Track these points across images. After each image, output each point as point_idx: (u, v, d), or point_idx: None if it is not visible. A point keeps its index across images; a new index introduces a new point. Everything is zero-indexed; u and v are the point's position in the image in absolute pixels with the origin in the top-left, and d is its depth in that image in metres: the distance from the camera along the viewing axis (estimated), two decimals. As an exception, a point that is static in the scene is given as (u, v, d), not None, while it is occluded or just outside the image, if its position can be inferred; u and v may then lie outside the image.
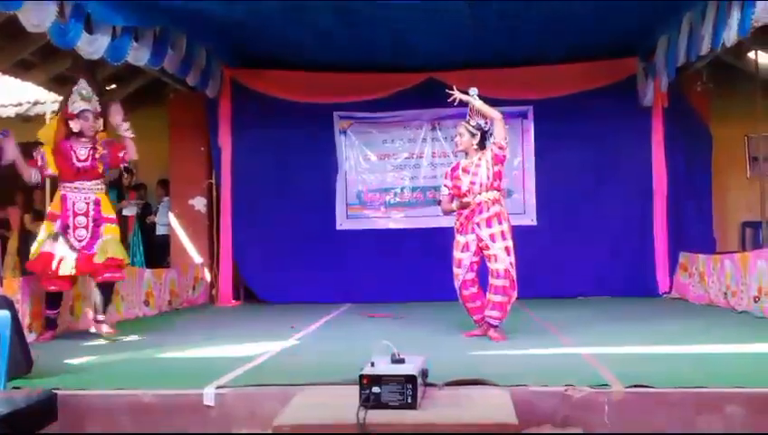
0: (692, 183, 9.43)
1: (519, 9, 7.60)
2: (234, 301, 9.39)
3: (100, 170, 6.17)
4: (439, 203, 5.98)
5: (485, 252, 5.62)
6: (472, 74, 9.19)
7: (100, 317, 6.19)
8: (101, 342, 5.93)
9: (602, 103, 9.17)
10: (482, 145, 5.74)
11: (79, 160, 6.05)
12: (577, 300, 9.03)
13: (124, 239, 9.87)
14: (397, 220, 9.82)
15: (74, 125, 6.08)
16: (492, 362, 4.52)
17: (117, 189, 10.11)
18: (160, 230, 10.34)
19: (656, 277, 9.21)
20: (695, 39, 7.33)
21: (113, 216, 6.27)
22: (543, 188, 9.62)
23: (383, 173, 9.96)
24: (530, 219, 9.59)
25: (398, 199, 9.88)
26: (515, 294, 5.65)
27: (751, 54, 8.38)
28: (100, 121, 6.21)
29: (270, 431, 3.17)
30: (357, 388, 3.25)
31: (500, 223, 5.61)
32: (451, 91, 5.79)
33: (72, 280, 6.09)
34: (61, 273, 5.87)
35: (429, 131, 9.86)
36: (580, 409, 3.54)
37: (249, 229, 9.58)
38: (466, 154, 5.79)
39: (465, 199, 5.62)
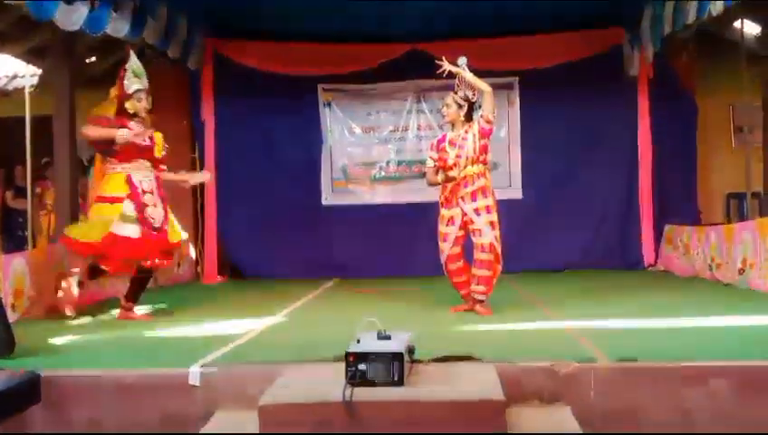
0: (677, 154, 9.43)
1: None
2: (219, 277, 9.34)
3: (158, 154, 5.99)
4: (424, 175, 5.93)
5: (470, 226, 5.59)
6: (456, 45, 9.12)
7: (131, 305, 5.96)
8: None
9: (588, 74, 9.11)
10: (469, 117, 5.69)
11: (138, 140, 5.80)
12: (563, 273, 9.05)
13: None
14: (383, 194, 9.77)
15: (130, 106, 5.82)
16: (478, 338, 4.52)
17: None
18: None
19: (641, 250, 9.24)
20: (680, 8, 7.27)
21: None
22: (529, 161, 9.59)
23: (368, 147, 9.90)
24: (515, 192, 9.57)
25: (383, 174, 9.83)
26: (500, 269, 5.63)
27: (737, 24, 8.34)
28: (150, 98, 5.94)
29: (255, 411, 3.14)
30: (343, 365, 3.23)
31: (485, 197, 5.58)
32: (440, 62, 5.71)
33: (138, 263, 5.81)
34: (133, 256, 5.66)
35: (414, 104, 9.79)
36: (567, 384, 3.54)
37: (233, 205, 9.51)
38: (453, 126, 5.74)
39: (451, 173, 5.57)
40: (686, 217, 9.00)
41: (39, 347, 4.42)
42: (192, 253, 9.64)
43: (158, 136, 6.03)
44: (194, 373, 3.66)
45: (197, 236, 9.68)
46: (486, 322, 5.20)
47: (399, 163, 9.79)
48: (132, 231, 5.59)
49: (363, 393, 3.11)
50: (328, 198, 9.77)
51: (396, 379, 3.21)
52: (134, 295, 5.99)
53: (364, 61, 9.22)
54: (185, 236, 6.24)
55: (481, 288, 5.56)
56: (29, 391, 3.51)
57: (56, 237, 7.32)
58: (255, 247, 9.46)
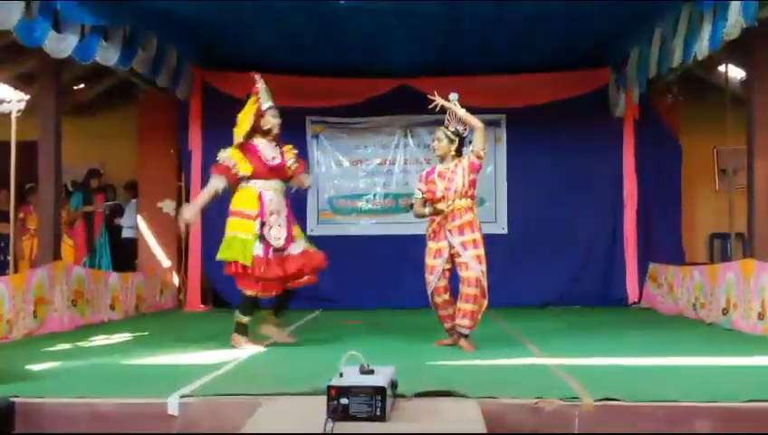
0: (662, 194, 9.52)
1: (492, 17, 7.61)
2: (202, 306, 9.27)
3: (289, 173, 5.86)
4: (411, 207, 5.93)
5: (457, 259, 5.58)
6: (444, 82, 9.20)
7: (274, 324, 5.92)
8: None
9: (574, 113, 9.21)
10: (459, 152, 5.71)
11: (269, 159, 5.74)
12: (547, 309, 9.05)
13: (90, 241, 9.72)
14: (369, 227, 9.76)
15: (264, 123, 5.78)
16: (462, 373, 4.48)
17: (83, 192, 9.94)
18: (126, 233, 10.18)
19: (625, 287, 9.27)
20: (666, 51, 7.38)
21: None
22: (515, 197, 9.64)
23: (355, 179, 9.92)
24: (501, 228, 9.60)
25: (369, 206, 9.84)
26: (486, 303, 5.61)
27: (721, 68, 8.46)
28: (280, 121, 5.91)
29: (235, 443, 3.09)
30: (325, 399, 3.18)
31: (473, 231, 5.57)
32: (432, 97, 5.73)
33: (282, 283, 5.72)
34: (269, 276, 5.57)
35: (402, 138, 9.84)
36: (551, 421, 3.50)
37: (218, 233, 9.41)
38: (442, 159, 5.75)
39: (440, 206, 5.57)
40: (670, 255, 9.05)
41: (15, 373, 4.35)
42: (175, 280, 9.59)
43: (290, 154, 5.93)
44: (173, 403, 3.60)
45: (181, 264, 9.63)
46: (470, 357, 5.16)
47: (386, 196, 9.81)
48: (260, 250, 5.57)
49: (345, 428, 3.06)
50: (314, 229, 9.74)
51: (378, 414, 3.16)
52: (279, 312, 5.98)
53: (352, 95, 9.28)
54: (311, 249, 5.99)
55: (466, 322, 5.53)
56: (3, 418, 3.44)
57: (38, 262, 7.27)
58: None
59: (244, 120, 5.84)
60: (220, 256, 5.71)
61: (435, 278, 5.62)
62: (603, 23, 7.87)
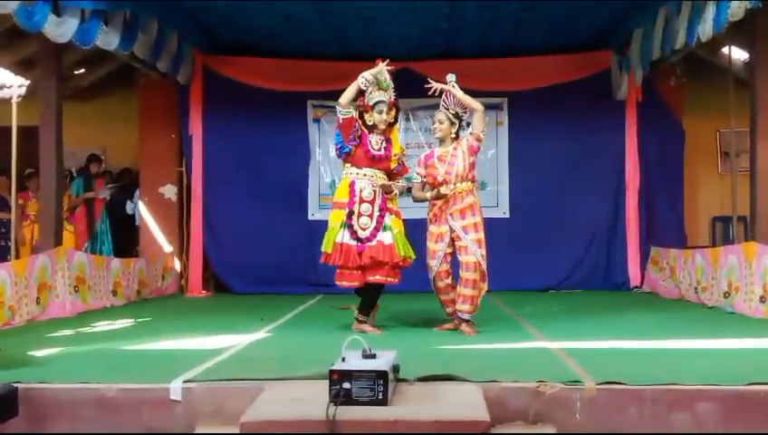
0: (664, 177, 9.49)
1: (493, 1, 7.57)
2: (204, 291, 9.29)
3: (392, 166, 5.72)
4: (409, 191, 5.91)
5: (457, 243, 5.57)
6: (447, 65, 9.13)
7: (362, 317, 5.75)
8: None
9: (577, 96, 9.18)
10: (457, 134, 5.69)
11: (374, 149, 5.61)
12: (549, 293, 9.05)
13: (92, 227, 9.71)
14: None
15: (369, 118, 5.66)
16: (464, 357, 4.49)
17: (84, 178, 9.92)
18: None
19: (627, 271, 9.26)
20: (669, 33, 7.34)
21: (397, 208, 5.77)
22: (517, 181, 9.61)
23: (356, 163, 9.88)
24: (502, 212, 9.59)
25: (371, 190, 9.79)
26: (486, 287, 5.60)
27: (725, 50, 8.41)
28: (393, 112, 5.74)
29: (237, 428, 3.10)
30: (327, 383, 3.19)
31: (473, 215, 5.56)
32: (429, 85, 5.70)
33: (362, 274, 5.57)
34: (350, 265, 5.50)
35: (403, 121, 9.77)
36: (552, 405, 3.51)
37: (220, 218, 9.47)
38: (441, 142, 5.72)
39: (443, 190, 5.54)
40: (672, 239, 9.04)
41: (18, 359, 4.36)
42: (177, 266, 9.60)
43: (398, 148, 5.82)
44: (175, 389, 3.61)
45: (183, 249, 9.63)
46: (472, 341, 5.17)
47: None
48: (349, 238, 5.53)
49: (347, 412, 3.08)
50: (315, 214, 9.73)
51: (380, 398, 3.17)
52: (365, 308, 5.79)
53: (353, 77, 9.21)
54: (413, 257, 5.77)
55: (466, 307, 5.52)
56: (7, 404, 3.44)
57: (40, 248, 7.27)
58: (242, 261, 9.41)
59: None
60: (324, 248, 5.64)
61: (437, 263, 5.61)
62: (606, 5, 7.82)
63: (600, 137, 9.44)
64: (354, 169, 5.64)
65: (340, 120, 5.62)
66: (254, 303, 8.05)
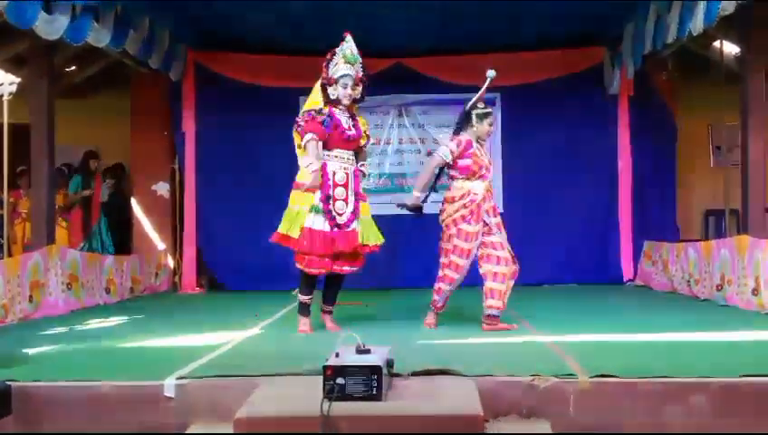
0: (657, 171, 9.52)
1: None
2: (197, 288, 9.28)
3: (362, 143, 5.52)
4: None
5: (488, 239, 5.49)
6: (439, 60, 9.18)
7: (329, 308, 5.62)
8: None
9: (569, 91, 9.19)
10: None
11: (345, 129, 5.36)
12: (542, 287, 9.06)
13: (88, 225, 9.65)
14: (362, 207, 9.73)
15: (332, 91, 5.35)
16: (458, 352, 4.50)
17: (82, 175, 9.87)
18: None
19: (620, 265, 9.30)
20: (661, 27, 7.35)
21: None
22: (510, 176, 9.61)
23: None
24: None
25: (364, 186, 9.77)
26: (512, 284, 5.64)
27: (716, 44, 8.43)
28: (359, 88, 5.44)
29: (231, 424, 3.10)
30: (321, 379, 3.19)
31: (498, 212, 5.61)
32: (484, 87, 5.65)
33: (332, 261, 5.32)
34: (322, 252, 5.21)
35: (396, 117, 9.78)
36: (546, 399, 3.52)
37: (213, 215, 9.46)
38: (479, 139, 5.65)
39: (486, 181, 5.51)
40: (665, 233, 9.06)
41: (11, 357, 4.34)
42: (170, 263, 9.59)
43: (364, 124, 5.59)
44: (169, 385, 3.61)
45: (176, 246, 9.62)
46: (466, 335, 5.17)
47: (381, 176, 9.77)
48: (322, 224, 5.23)
49: (341, 408, 3.08)
50: (308, 210, 9.71)
51: (374, 393, 3.17)
52: (333, 299, 5.65)
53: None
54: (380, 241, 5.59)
55: (498, 303, 5.45)
56: (0, 402, 3.44)
57: (33, 246, 7.25)
58: (235, 258, 9.40)
59: (315, 90, 5.51)
60: (281, 229, 5.38)
61: (468, 263, 5.53)
62: (597, 1, 7.83)
63: (593, 131, 9.46)
64: (326, 152, 5.38)
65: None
66: (248, 299, 8.05)
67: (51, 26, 6.32)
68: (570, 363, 3.92)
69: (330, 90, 5.38)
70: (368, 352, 3.37)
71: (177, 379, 3.66)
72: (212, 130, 9.48)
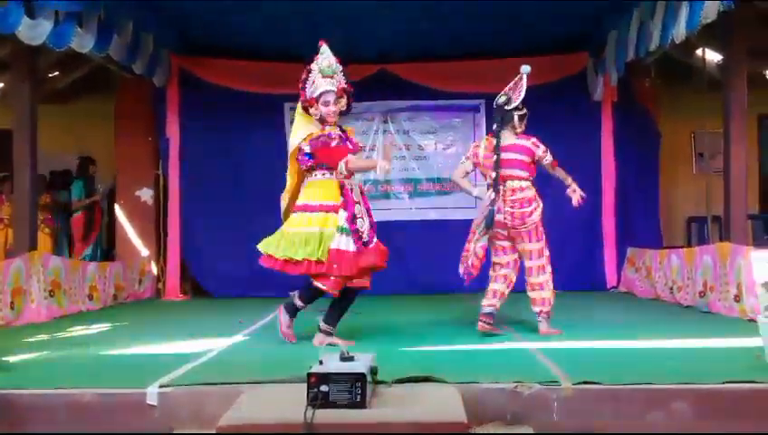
0: (640, 178, 9.57)
1: (470, 3, 7.60)
2: (181, 295, 9.24)
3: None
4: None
5: (523, 246, 5.70)
6: (424, 67, 9.20)
7: (332, 329, 5.21)
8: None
9: (553, 97, 9.21)
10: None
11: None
12: (526, 294, 9.05)
13: (90, 231, 9.63)
14: (347, 213, 9.73)
15: (314, 112, 5.08)
16: (442, 359, 4.50)
17: (83, 180, 9.83)
18: None
19: (604, 271, 9.33)
20: (644, 35, 7.40)
21: None
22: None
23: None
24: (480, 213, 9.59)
25: (349, 192, 9.80)
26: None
27: (699, 51, 8.50)
28: (344, 101, 5.14)
29: (214, 432, 3.08)
30: (305, 386, 3.18)
31: None
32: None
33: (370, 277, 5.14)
34: (351, 274, 4.95)
35: (381, 124, 9.80)
36: (530, 406, 3.52)
37: (197, 222, 9.42)
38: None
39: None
40: (648, 239, 9.11)
41: (-8, 365, 4.31)
42: (154, 269, 9.54)
43: (352, 134, 5.37)
44: (152, 393, 3.59)
45: (159, 253, 9.57)
46: (450, 342, 5.18)
47: (365, 182, 9.75)
48: (350, 244, 4.93)
49: (325, 415, 3.07)
50: (293, 216, 9.71)
51: (358, 400, 3.17)
52: (337, 318, 5.28)
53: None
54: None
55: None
56: (-20, 410, 3.41)
57: (14, 252, 7.20)
58: (219, 265, 9.38)
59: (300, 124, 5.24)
60: (283, 253, 5.08)
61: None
62: (581, 7, 7.88)
63: (577, 138, 9.49)
64: (334, 171, 5.09)
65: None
66: (232, 306, 8.02)
67: (33, 31, 6.29)
68: (553, 370, 3.93)
69: (311, 111, 5.11)
70: (351, 359, 3.37)
71: (160, 386, 3.64)
72: (196, 135, 9.45)
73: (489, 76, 9.18)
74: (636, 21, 7.56)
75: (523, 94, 5.66)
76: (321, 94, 5.04)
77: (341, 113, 5.19)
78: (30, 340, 5.59)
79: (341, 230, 4.95)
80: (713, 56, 8.44)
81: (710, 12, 5.92)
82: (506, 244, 5.62)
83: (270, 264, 5.18)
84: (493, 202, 5.48)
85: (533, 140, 5.69)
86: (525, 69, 5.63)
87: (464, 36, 8.73)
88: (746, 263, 6.09)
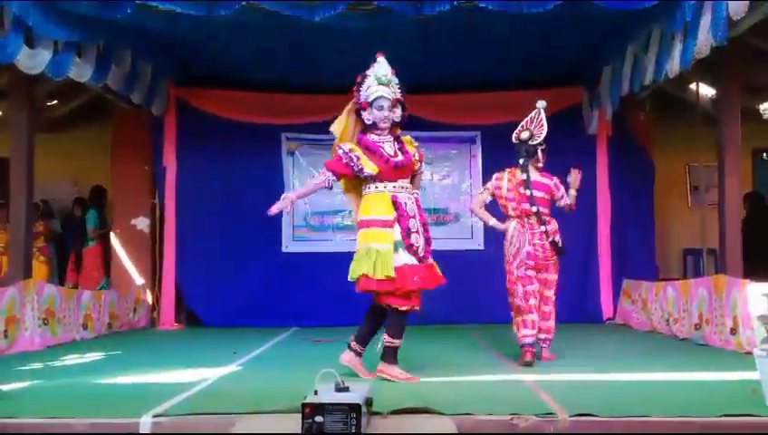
0: (635, 211, 9.60)
1: (465, 38, 7.68)
2: (176, 324, 9.20)
3: (416, 167, 5.16)
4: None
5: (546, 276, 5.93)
6: (420, 99, 9.23)
7: (394, 359, 4.93)
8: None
9: (549, 130, 9.26)
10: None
11: (391, 156, 4.97)
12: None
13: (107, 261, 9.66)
14: (344, 244, 9.72)
15: (367, 116, 5.00)
16: (437, 390, 4.47)
17: (98, 209, 9.87)
18: None
19: (600, 303, 9.31)
20: (638, 69, 7.47)
21: None
22: (491, 213, 9.64)
23: (330, 196, 9.85)
24: (477, 244, 9.61)
25: (344, 223, 9.82)
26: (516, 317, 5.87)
27: (692, 86, 8.58)
28: (398, 111, 5.06)
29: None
30: (299, 417, 3.17)
31: None
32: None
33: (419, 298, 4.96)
34: (414, 287, 4.82)
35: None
36: (526, 438, 3.51)
37: (193, 251, 9.40)
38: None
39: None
40: (644, 271, 9.11)
41: (-15, 394, 4.28)
42: (149, 298, 9.51)
43: (410, 144, 5.16)
44: (145, 423, 3.56)
45: (155, 282, 9.55)
46: (446, 374, 5.15)
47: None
48: (409, 259, 4.84)
49: (319, 446, 3.05)
50: (288, 246, 9.72)
51: (353, 431, 3.15)
52: (368, 339, 5.09)
53: (327, 111, 9.22)
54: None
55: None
56: (-28, 439, 3.38)
57: (9, 280, 7.17)
58: (214, 294, 9.34)
59: (343, 117, 5.12)
60: (354, 273, 4.99)
61: None
62: (576, 44, 7.97)
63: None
64: (386, 183, 4.97)
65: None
66: (227, 336, 7.97)
67: (32, 61, 6.34)
68: (549, 402, 3.91)
69: (364, 114, 5.03)
70: (346, 389, 3.36)
71: (154, 416, 3.61)
72: (193, 164, 9.48)
73: (485, 108, 9.30)
74: (630, 56, 7.64)
75: (545, 129, 5.86)
76: (375, 99, 5.01)
77: (396, 124, 5.12)
78: (23, 368, 5.55)
79: (397, 245, 4.87)
80: (707, 90, 8.51)
81: (703, 48, 5.99)
82: (532, 273, 5.83)
83: (357, 288, 5.08)
84: (546, 234, 5.84)
85: (555, 181, 6.02)
86: (541, 104, 5.86)
87: (461, 70, 8.80)
88: (742, 295, 6.10)
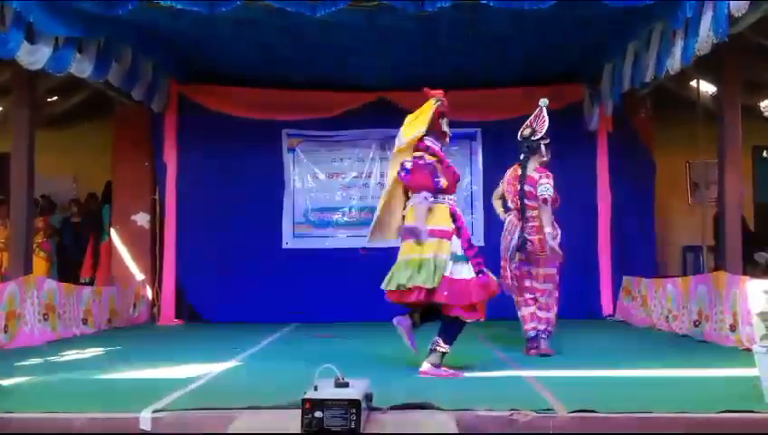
0: (635, 207, 9.60)
1: (467, 35, 7.67)
2: (176, 320, 9.20)
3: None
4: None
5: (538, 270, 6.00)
6: (421, 96, 9.22)
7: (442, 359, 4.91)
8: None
9: (549, 127, 9.26)
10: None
11: (456, 168, 5.04)
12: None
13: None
14: (344, 240, 9.74)
15: (444, 123, 5.08)
16: (437, 386, 4.48)
17: (110, 206, 9.89)
18: None
19: (600, 300, 9.32)
20: (639, 67, 7.47)
21: None
22: (491, 210, 9.62)
23: (331, 192, 9.91)
24: (478, 241, 9.60)
25: (345, 219, 9.83)
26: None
27: (693, 83, 8.58)
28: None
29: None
30: (299, 412, 3.17)
31: None
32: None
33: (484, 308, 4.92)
34: (478, 299, 4.78)
35: (378, 151, 9.84)
36: (525, 433, 3.51)
37: (193, 247, 9.41)
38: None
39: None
40: (644, 268, 9.12)
41: (-15, 389, 4.29)
42: (149, 294, 9.51)
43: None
44: (145, 419, 3.56)
45: (155, 278, 9.55)
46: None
47: (362, 209, 9.79)
48: (468, 272, 4.80)
49: (319, 441, 3.06)
50: (289, 242, 9.73)
51: (353, 427, 3.15)
52: (449, 339, 4.95)
53: (329, 108, 9.30)
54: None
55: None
56: (-28, 434, 3.39)
57: (9, 276, 7.18)
58: (214, 290, 9.36)
59: (420, 119, 5.09)
60: (396, 283, 4.86)
61: None
62: (577, 41, 7.97)
63: (573, 167, 9.49)
64: (447, 196, 4.97)
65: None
66: (227, 331, 7.99)
67: (33, 57, 6.33)
68: (548, 398, 3.91)
69: (443, 121, 5.12)
70: (346, 385, 3.35)
71: (154, 412, 3.61)
72: (194, 160, 9.49)
73: (486, 105, 9.30)
74: (631, 53, 7.64)
75: (547, 124, 5.92)
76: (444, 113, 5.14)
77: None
78: (23, 364, 5.55)
79: (457, 258, 4.81)
80: (707, 88, 8.51)
81: (704, 45, 5.99)
82: (525, 267, 5.96)
83: (391, 297, 5.02)
84: (522, 229, 5.86)
85: (542, 175, 5.90)
86: (544, 102, 5.94)
87: (462, 67, 8.80)
88: (741, 292, 6.10)
